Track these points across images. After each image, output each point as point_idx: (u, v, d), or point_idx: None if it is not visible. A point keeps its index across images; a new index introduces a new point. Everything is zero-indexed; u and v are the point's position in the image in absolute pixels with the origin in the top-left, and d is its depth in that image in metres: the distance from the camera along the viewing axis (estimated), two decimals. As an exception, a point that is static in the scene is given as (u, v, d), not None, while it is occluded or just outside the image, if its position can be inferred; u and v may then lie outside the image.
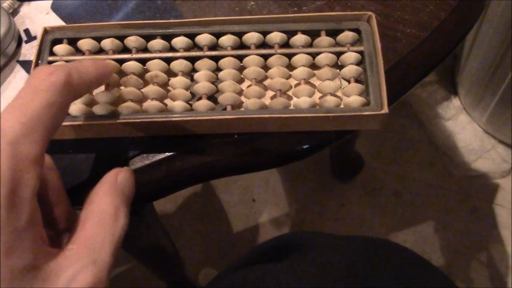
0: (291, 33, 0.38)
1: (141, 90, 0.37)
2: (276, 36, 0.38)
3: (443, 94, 1.24)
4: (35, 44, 0.42)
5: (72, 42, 0.38)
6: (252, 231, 1.11)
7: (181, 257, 0.87)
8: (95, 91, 0.36)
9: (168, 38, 0.38)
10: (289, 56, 0.37)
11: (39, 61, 0.37)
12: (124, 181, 0.28)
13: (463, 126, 1.20)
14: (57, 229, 0.29)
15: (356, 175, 1.15)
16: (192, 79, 0.38)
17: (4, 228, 0.22)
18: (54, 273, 0.23)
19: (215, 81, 0.37)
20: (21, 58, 0.42)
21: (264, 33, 0.38)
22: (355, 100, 0.35)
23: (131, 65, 0.37)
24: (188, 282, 0.95)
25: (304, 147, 0.37)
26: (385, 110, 0.34)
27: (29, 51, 0.42)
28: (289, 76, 0.37)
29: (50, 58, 0.37)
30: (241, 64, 0.38)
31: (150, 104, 0.36)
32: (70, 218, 0.30)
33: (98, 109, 0.35)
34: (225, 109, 0.36)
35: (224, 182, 1.16)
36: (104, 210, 0.26)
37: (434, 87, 1.24)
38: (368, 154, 1.17)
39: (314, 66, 0.37)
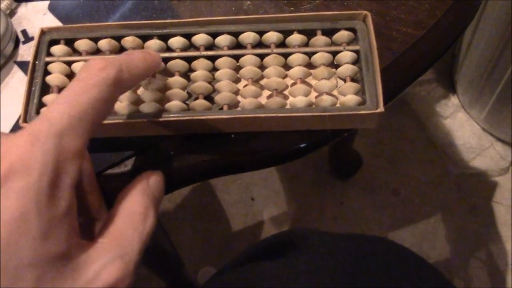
0: (287, 33, 0.38)
1: (137, 93, 0.37)
2: (272, 36, 0.38)
3: (441, 92, 1.24)
4: (32, 45, 0.42)
5: (69, 42, 0.38)
6: (251, 230, 1.11)
7: (180, 256, 0.87)
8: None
9: (164, 38, 0.38)
10: (285, 55, 0.38)
11: (36, 62, 0.37)
12: (155, 184, 0.29)
13: (461, 124, 1.20)
14: (88, 217, 0.30)
15: (354, 173, 1.16)
16: (188, 79, 0.38)
17: (43, 215, 0.22)
18: (83, 264, 0.24)
19: (212, 80, 0.38)
20: (18, 59, 0.42)
21: (260, 33, 0.38)
22: (351, 99, 0.35)
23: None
24: (187, 281, 0.95)
25: (301, 146, 0.38)
26: (381, 109, 0.34)
27: (26, 52, 0.42)
28: (285, 76, 0.38)
29: (47, 59, 0.37)
30: (238, 63, 0.38)
31: (147, 104, 0.36)
32: (101, 207, 0.31)
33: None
34: (221, 108, 0.36)
35: (223, 181, 1.16)
36: (134, 209, 0.27)
37: (432, 86, 1.24)
38: (367, 153, 1.17)
39: (310, 66, 0.38)
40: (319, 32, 0.38)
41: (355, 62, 0.37)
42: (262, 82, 0.38)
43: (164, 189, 0.30)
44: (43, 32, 0.38)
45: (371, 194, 1.14)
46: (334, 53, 0.37)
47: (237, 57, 0.38)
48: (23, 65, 0.42)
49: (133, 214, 0.27)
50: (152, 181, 0.29)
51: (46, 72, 0.37)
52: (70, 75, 0.38)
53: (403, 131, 1.20)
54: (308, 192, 1.15)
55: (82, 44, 0.38)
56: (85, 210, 0.30)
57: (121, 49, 0.39)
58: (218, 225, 1.12)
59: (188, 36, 0.38)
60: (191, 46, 0.39)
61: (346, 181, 1.15)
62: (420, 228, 1.11)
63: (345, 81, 0.37)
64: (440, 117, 1.21)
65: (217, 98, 0.36)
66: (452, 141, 1.18)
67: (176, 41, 0.38)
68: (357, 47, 0.37)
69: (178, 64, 0.37)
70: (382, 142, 1.19)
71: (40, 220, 0.22)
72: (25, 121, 0.35)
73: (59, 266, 0.23)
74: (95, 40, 0.38)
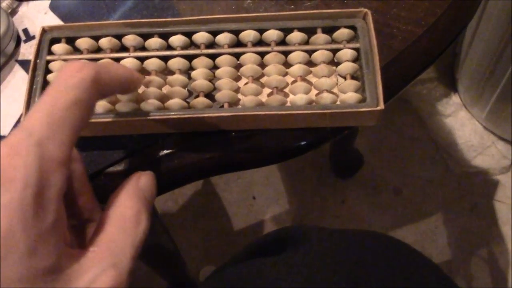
0: (287, 31, 0.38)
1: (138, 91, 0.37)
2: (272, 34, 0.38)
3: (443, 91, 1.24)
4: (33, 43, 0.42)
5: (70, 41, 0.38)
6: (252, 229, 1.11)
7: (182, 255, 0.87)
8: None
9: (165, 36, 0.38)
10: (286, 53, 0.38)
11: (38, 60, 0.37)
12: (145, 185, 0.28)
13: (462, 122, 1.20)
14: (80, 219, 0.29)
15: (356, 172, 1.16)
16: (189, 77, 0.38)
17: (29, 230, 0.22)
18: (75, 275, 0.23)
19: (212, 78, 0.38)
20: (20, 58, 0.42)
21: (261, 31, 0.38)
22: (351, 96, 0.35)
23: (129, 64, 0.37)
24: (189, 280, 0.95)
25: (302, 143, 0.38)
26: (381, 106, 0.34)
27: (27, 51, 0.42)
28: (286, 74, 0.38)
29: (49, 58, 0.37)
30: (238, 61, 0.38)
31: (148, 102, 0.36)
32: (94, 208, 0.30)
33: (95, 108, 0.35)
34: (222, 106, 0.36)
35: (224, 180, 1.16)
36: (125, 214, 0.26)
37: (433, 84, 1.24)
38: (368, 151, 1.17)
39: (310, 63, 0.38)
40: (319, 30, 0.38)
41: (355, 59, 0.37)
42: (263, 80, 0.38)
43: (156, 189, 0.29)
44: (44, 31, 0.38)
45: (373, 193, 1.14)
46: (335, 51, 0.37)
47: (237, 55, 0.38)
48: (24, 64, 0.42)
49: (125, 220, 0.26)
50: (142, 182, 0.28)
51: (48, 71, 0.37)
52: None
53: (404, 130, 1.20)
54: (310, 190, 1.15)
55: (83, 42, 0.38)
56: (77, 213, 0.29)
57: (122, 48, 0.39)
58: (220, 224, 1.12)
59: (188, 34, 0.38)
60: (192, 44, 0.39)
61: (347, 179, 1.16)
62: (421, 227, 1.11)
63: (345, 78, 0.37)
64: (441, 116, 1.21)
65: (218, 96, 0.36)
66: (454, 139, 1.18)
67: (177, 39, 0.38)
68: (357, 45, 0.37)
69: (179, 62, 0.37)
70: (383, 141, 1.19)
71: (27, 235, 0.21)
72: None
73: (49, 280, 0.22)
74: (96, 38, 0.38)
